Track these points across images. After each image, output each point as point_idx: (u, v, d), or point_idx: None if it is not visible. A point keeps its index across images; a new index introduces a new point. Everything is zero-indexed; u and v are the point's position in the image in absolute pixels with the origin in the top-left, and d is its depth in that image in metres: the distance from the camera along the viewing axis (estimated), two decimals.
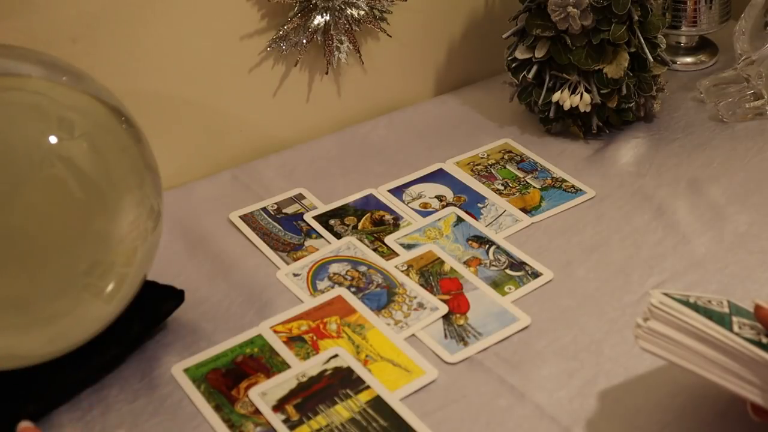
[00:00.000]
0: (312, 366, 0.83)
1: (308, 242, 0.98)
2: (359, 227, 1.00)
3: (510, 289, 0.91)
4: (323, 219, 1.01)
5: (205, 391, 0.81)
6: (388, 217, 1.01)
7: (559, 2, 1.05)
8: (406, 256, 0.95)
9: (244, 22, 1.07)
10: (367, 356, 0.84)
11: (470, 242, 0.97)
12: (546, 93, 1.10)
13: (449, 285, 0.91)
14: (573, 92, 1.09)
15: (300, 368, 0.82)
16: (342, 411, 0.78)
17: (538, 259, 0.95)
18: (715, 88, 1.16)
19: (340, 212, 1.02)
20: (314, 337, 0.86)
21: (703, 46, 1.29)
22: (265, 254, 0.97)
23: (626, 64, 1.07)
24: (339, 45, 1.12)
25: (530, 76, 1.10)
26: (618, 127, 1.15)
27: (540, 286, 0.91)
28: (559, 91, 1.09)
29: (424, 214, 1.02)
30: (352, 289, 0.91)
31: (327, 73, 1.14)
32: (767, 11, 1.14)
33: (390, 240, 0.98)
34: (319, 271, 0.94)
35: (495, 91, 1.21)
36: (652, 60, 1.09)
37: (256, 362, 0.83)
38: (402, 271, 0.93)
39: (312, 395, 0.80)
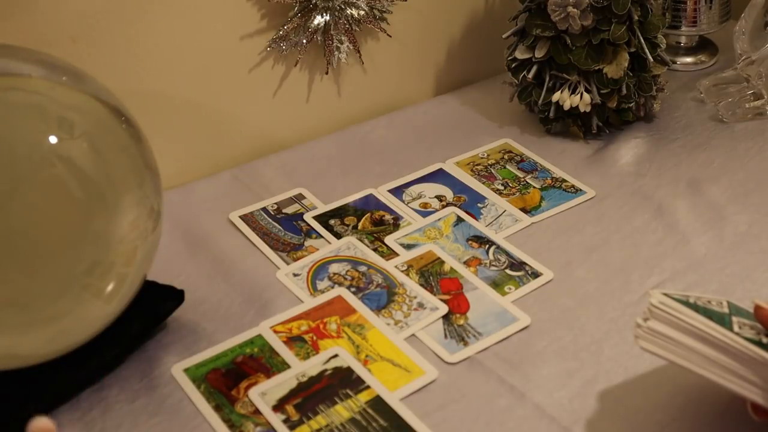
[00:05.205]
0: (312, 366, 0.83)
1: (308, 242, 0.98)
2: (359, 227, 1.00)
3: (510, 289, 0.91)
4: (323, 219, 1.01)
5: (205, 391, 0.81)
6: (388, 217, 1.01)
7: (559, 2, 1.05)
8: (406, 256, 0.95)
9: (244, 22, 1.07)
10: (367, 356, 0.84)
11: (470, 242, 0.97)
12: (546, 93, 1.10)
13: (449, 285, 0.91)
14: (573, 92, 1.09)
15: (300, 368, 0.82)
16: (342, 411, 0.78)
17: (538, 259, 0.95)
18: (715, 88, 1.16)
19: (340, 212, 1.02)
20: (314, 337, 0.86)
21: (703, 46, 1.29)
22: (265, 254, 0.97)
23: (626, 64, 1.07)
24: (339, 45, 1.12)
25: (530, 76, 1.10)
26: (618, 127, 1.15)
27: (540, 286, 0.91)
28: (559, 91, 1.09)
29: (424, 214, 1.02)
30: (352, 289, 0.91)
31: (327, 73, 1.14)
32: (767, 11, 1.14)
33: (390, 240, 0.98)
34: (319, 271, 0.94)
35: (495, 91, 1.21)
36: (652, 60, 1.10)
37: (256, 362, 0.83)
38: (402, 271, 0.93)
39: (312, 395, 0.80)
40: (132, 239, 0.77)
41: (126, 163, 0.77)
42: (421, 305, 0.89)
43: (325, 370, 0.82)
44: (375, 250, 0.96)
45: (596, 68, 1.07)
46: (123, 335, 0.84)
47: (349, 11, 1.10)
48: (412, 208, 1.03)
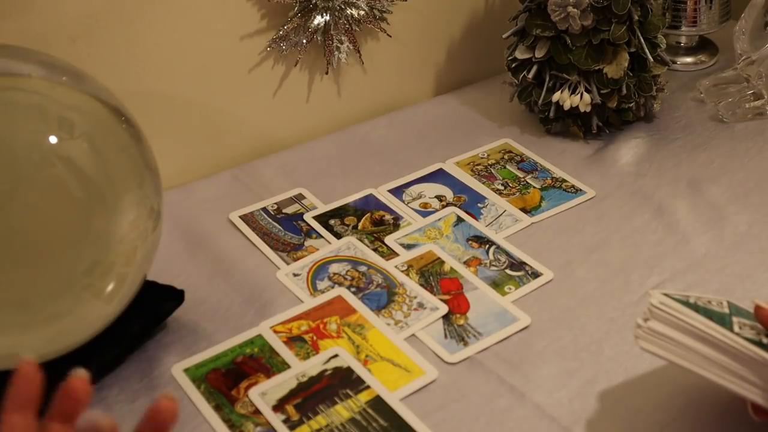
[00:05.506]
0: (312, 366, 0.83)
1: (308, 242, 0.98)
2: (359, 227, 1.00)
3: (510, 289, 0.91)
4: (323, 219, 1.01)
5: (205, 391, 0.81)
6: (388, 217, 1.01)
7: (559, 2, 1.05)
8: (406, 256, 0.95)
9: (244, 22, 1.07)
10: (367, 356, 0.84)
11: (470, 242, 0.97)
12: (546, 93, 1.10)
13: (449, 285, 0.91)
14: (573, 92, 1.09)
15: (300, 368, 0.82)
16: (342, 411, 0.78)
17: (538, 259, 0.95)
18: (715, 88, 1.16)
19: (340, 212, 1.02)
20: (314, 337, 0.86)
21: (703, 46, 1.29)
22: (265, 254, 0.97)
23: (626, 64, 1.07)
24: (339, 45, 1.12)
25: (530, 76, 1.10)
26: (618, 127, 1.15)
27: (540, 286, 0.91)
28: (559, 91, 1.09)
29: (424, 214, 1.02)
30: (352, 289, 0.91)
31: (327, 73, 1.14)
32: (767, 11, 1.14)
33: (390, 240, 0.98)
34: (319, 271, 0.94)
35: (495, 91, 1.21)
36: (652, 60, 1.09)
37: (256, 362, 0.83)
38: (402, 271, 0.93)
39: (312, 395, 0.80)
40: (132, 239, 0.77)
41: (126, 163, 0.77)
42: (421, 305, 0.89)
43: (325, 370, 0.82)
44: (375, 250, 0.96)
45: (596, 68, 1.07)
46: (123, 335, 0.84)
47: (349, 11, 1.10)
48: (412, 208, 1.03)
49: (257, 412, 0.79)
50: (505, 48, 1.14)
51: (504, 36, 1.13)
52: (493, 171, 1.08)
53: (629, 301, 0.89)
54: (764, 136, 1.12)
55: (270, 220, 1.01)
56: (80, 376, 0.58)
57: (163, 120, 1.05)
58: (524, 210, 1.02)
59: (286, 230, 1.00)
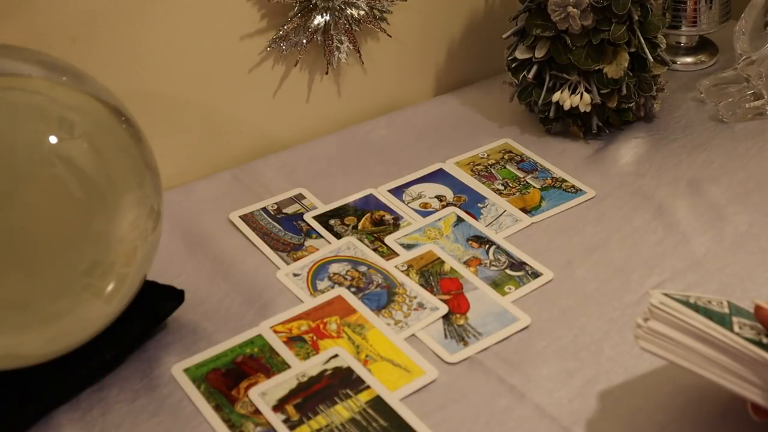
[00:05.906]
0: (312, 366, 0.83)
1: (308, 242, 0.98)
2: (359, 227, 1.00)
3: (510, 289, 0.91)
4: (323, 219, 1.01)
5: (205, 391, 0.81)
6: (388, 217, 1.01)
7: (559, 2, 1.05)
8: (406, 256, 0.95)
9: (244, 22, 1.07)
10: (367, 356, 0.84)
11: (470, 242, 0.97)
12: (546, 93, 1.10)
13: (449, 285, 0.91)
14: (573, 92, 1.09)
15: (300, 368, 0.82)
16: (342, 411, 0.78)
17: (538, 259, 0.95)
18: (715, 88, 1.16)
19: (340, 212, 1.02)
20: (314, 337, 0.86)
21: (703, 46, 1.29)
22: (265, 254, 0.97)
23: (626, 64, 1.07)
24: (339, 45, 1.12)
25: (530, 76, 1.10)
26: (618, 127, 1.15)
27: (540, 286, 0.91)
28: (559, 91, 1.09)
29: (424, 214, 1.02)
30: (352, 289, 0.91)
31: (327, 73, 1.14)
32: (767, 11, 1.14)
33: (390, 240, 0.98)
34: (319, 271, 0.94)
35: (495, 91, 1.21)
36: (652, 60, 1.10)
37: (256, 362, 0.83)
38: (402, 271, 0.93)
39: (312, 395, 0.80)
40: (132, 239, 0.77)
41: (126, 163, 0.77)
42: (421, 305, 0.89)
43: (325, 370, 0.82)
44: (375, 250, 0.96)
45: (596, 68, 1.07)
46: (123, 335, 0.84)
47: (349, 11, 1.10)
48: (412, 208, 1.03)
49: (257, 412, 0.79)
50: (505, 48, 1.14)
51: (504, 36, 1.13)
52: (493, 171, 1.08)
53: (629, 301, 0.89)
54: (764, 136, 1.12)
55: (270, 220, 1.01)
56: None
57: (163, 120, 1.05)
58: (524, 210, 1.02)
59: (286, 230, 1.00)
